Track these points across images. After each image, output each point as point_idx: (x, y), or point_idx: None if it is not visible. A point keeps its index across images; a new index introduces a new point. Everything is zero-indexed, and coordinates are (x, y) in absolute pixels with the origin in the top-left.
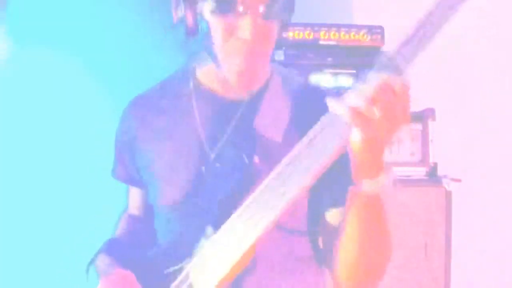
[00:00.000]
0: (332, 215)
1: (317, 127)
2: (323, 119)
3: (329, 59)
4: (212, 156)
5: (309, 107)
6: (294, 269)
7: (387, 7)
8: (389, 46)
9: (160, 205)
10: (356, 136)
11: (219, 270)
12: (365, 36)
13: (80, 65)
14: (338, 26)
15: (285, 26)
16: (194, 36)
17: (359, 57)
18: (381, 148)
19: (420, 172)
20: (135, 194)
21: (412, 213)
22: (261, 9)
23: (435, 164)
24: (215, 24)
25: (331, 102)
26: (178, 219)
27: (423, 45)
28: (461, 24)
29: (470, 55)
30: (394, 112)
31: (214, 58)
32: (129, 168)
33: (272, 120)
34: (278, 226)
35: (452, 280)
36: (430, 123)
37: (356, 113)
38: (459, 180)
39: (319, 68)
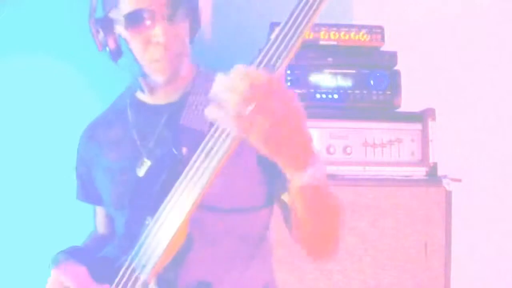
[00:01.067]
0: (285, 196)
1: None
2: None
3: (329, 59)
4: (144, 155)
5: None
6: (238, 248)
7: (387, 7)
8: (389, 46)
9: (112, 212)
10: (251, 139)
11: (155, 253)
12: (365, 36)
13: (79, 68)
14: (338, 26)
15: (195, 28)
16: (119, 57)
17: (359, 57)
18: (285, 142)
19: (420, 172)
20: (99, 214)
21: (412, 213)
22: (166, 15)
23: (435, 164)
24: (133, 38)
25: (208, 110)
26: (125, 218)
27: (290, 43)
28: (461, 24)
29: (470, 55)
30: (266, 103)
31: (139, 70)
32: (89, 188)
33: (198, 113)
34: (211, 207)
35: (452, 280)
36: (430, 123)
37: (229, 117)
38: (459, 180)
39: (319, 68)
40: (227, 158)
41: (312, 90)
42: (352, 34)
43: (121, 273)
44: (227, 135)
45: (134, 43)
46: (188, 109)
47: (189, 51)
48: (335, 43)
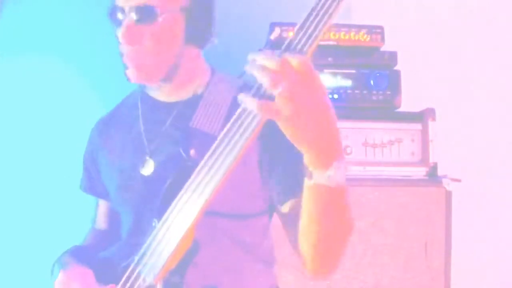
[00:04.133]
0: (285, 206)
1: (235, 115)
2: (239, 110)
3: (329, 59)
4: (147, 154)
5: None
6: (240, 253)
7: (387, 7)
8: (389, 46)
9: (117, 207)
10: (279, 123)
11: (162, 256)
12: (365, 36)
13: (81, 69)
14: (338, 26)
15: (196, 24)
16: None
17: (359, 57)
18: (313, 131)
19: (420, 172)
20: (102, 207)
21: (412, 213)
22: (133, 16)
23: (435, 164)
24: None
25: (240, 96)
26: (131, 218)
27: (319, 27)
28: (461, 24)
29: (470, 55)
30: (296, 86)
31: None
32: (95, 181)
33: (209, 116)
34: (213, 212)
35: (452, 280)
36: (430, 123)
37: (260, 103)
38: (459, 180)
39: (319, 68)
40: (239, 159)
41: None
42: (352, 34)
43: (126, 275)
44: (253, 118)
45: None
46: (199, 111)
47: (193, 52)
48: (335, 43)
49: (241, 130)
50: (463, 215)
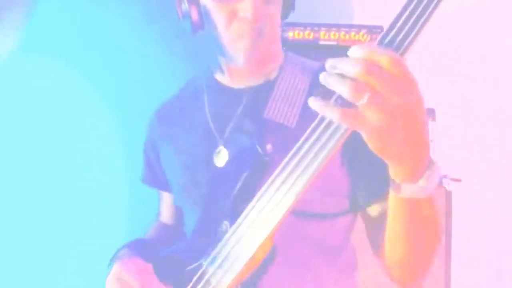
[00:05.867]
0: (371, 209)
1: (317, 120)
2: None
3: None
4: (221, 145)
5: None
6: (315, 259)
7: (387, 7)
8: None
9: (181, 203)
10: (363, 135)
11: (235, 265)
12: (365, 36)
13: (86, 71)
14: (338, 26)
15: (287, 9)
16: (201, 29)
17: None
18: (401, 143)
19: None
20: (165, 201)
21: None
22: None
23: None
24: (217, 11)
25: (311, 101)
26: (196, 215)
27: (422, 19)
28: (461, 24)
29: (470, 55)
30: (383, 93)
31: (220, 47)
32: (156, 172)
33: (285, 105)
34: (294, 213)
35: (452, 280)
36: (430, 123)
37: (341, 112)
38: (459, 180)
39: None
40: (331, 158)
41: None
42: (352, 34)
43: (194, 280)
44: (335, 129)
45: (219, 16)
46: (274, 99)
47: (279, 35)
48: (335, 43)
49: (327, 135)
50: (463, 215)
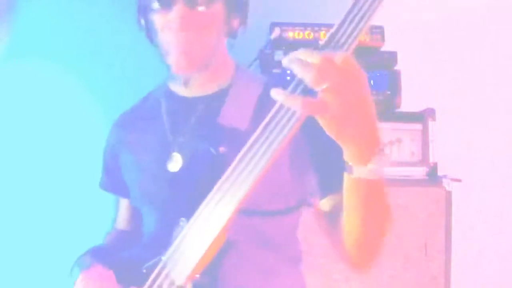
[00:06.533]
0: (324, 202)
1: (272, 112)
2: (277, 106)
3: None
4: (175, 150)
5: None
6: (266, 253)
7: (387, 7)
8: (389, 46)
9: (140, 206)
10: (321, 121)
11: (192, 257)
12: (365, 36)
13: (80, 70)
14: None
15: (235, 20)
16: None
17: (359, 57)
18: (356, 128)
19: (420, 172)
20: (123, 206)
21: (412, 213)
22: (190, 2)
23: (435, 164)
24: (157, 22)
25: (274, 92)
26: (155, 216)
27: (361, 23)
28: (461, 24)
29: (470, 55)
30: (340, 82)
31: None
32: (114, 178)
33: (237, 110)
34: (243, 210)
35: (452, 280)
36: (430, 123)
37: (303, 100)
38: (459, 180)
39: None
40: (285, 144)
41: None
42: None
43: (153, 276)
44: (292, 115)
45: (158, 27)
46: (227, 106)
47: (224, 44)
48: None
49: (278, 128)
50: (463, 215)
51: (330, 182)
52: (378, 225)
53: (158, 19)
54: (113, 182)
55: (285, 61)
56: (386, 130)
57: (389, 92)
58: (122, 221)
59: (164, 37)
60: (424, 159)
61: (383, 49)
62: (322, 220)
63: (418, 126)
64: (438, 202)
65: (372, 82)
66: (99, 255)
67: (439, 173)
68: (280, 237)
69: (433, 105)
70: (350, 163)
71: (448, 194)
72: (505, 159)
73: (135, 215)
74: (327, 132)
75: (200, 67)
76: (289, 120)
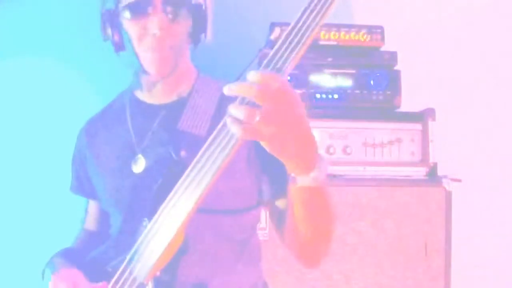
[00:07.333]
0: (279, 202)
1: (222, 123)
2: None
3: (329, 59)
4: (139, 153)
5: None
6: (226, 250)
7: (387, 7)
8: (389, 46)
9: (107, 207)
10: (262, 143)
11: (152, 256)
12: (365, 36)
13: (78, 69)
14: (338, 26)
15: (198, 30)
16: (122, 50)
17: (359, 57)
18: (293, 145)
19: (420, 172)
20: (91, 208)
21: (412, 213)
22: (166, 9)
23: (435, 164)
24: (132, 29)
25: (226, 88)
26: (120, 217)
27: (297, 47)
28: (461, 24)
29: (470, 55)
30: (275, 107)
31: (137, 61)
32: (83, 182)
33: (197, 117)
34: (200, 209)
35: (452, 280)
36: (430, 123)
37: (242, 129)
38: (459, 180)
39: (319, 68)
40: (229, 160)
41: (312, 90)
42: (352, 34)
43: (117, 274)
44: (232, 137)
45: (133, 32)
46: (186, 113)
47: (188, 52)
48: (335, 43)
49: (226, 139)
50: (463, 215)
51: (280, 187)
52: (323, 227)
53: (131, 27)
54: (83, 185)
55: (225, 90)
56: (386, 130)
57: (389, 92)
58: (90, 222)
59: (142, 44)
60: (424, 159)
61: (383, 49)
62: (274, 221)
63: (418, 126)
64: (438, 202)
65: (372, 82)
66: (69, 256)
67: (439, 173)
68: (239, 235)
69: (433, 105)
70: (292, 175)
71: (448, 194)
72: (505, 159)
73: (103, 216)
74: (269, 152)
75: (172, 70)
76: (228, 142)
